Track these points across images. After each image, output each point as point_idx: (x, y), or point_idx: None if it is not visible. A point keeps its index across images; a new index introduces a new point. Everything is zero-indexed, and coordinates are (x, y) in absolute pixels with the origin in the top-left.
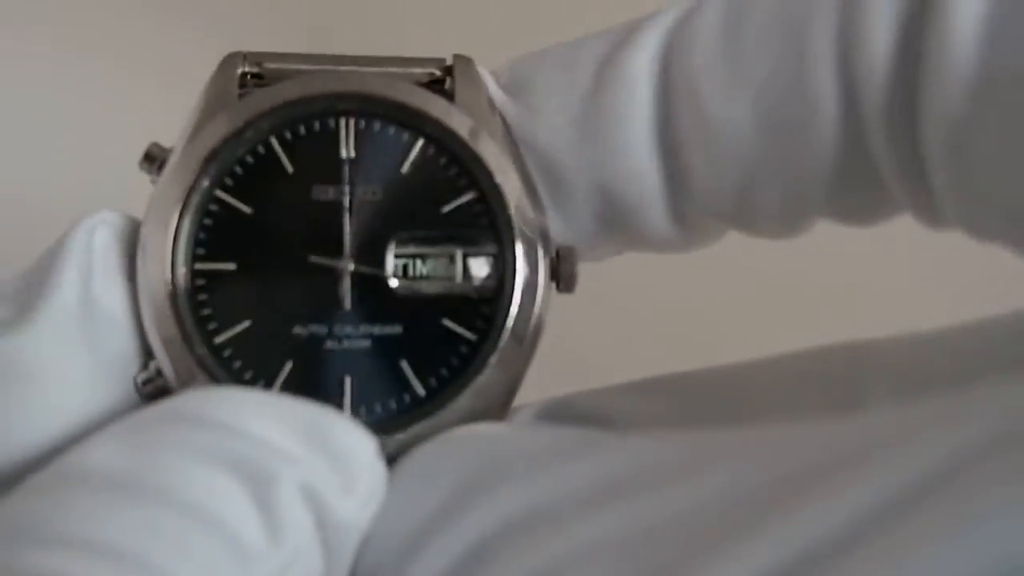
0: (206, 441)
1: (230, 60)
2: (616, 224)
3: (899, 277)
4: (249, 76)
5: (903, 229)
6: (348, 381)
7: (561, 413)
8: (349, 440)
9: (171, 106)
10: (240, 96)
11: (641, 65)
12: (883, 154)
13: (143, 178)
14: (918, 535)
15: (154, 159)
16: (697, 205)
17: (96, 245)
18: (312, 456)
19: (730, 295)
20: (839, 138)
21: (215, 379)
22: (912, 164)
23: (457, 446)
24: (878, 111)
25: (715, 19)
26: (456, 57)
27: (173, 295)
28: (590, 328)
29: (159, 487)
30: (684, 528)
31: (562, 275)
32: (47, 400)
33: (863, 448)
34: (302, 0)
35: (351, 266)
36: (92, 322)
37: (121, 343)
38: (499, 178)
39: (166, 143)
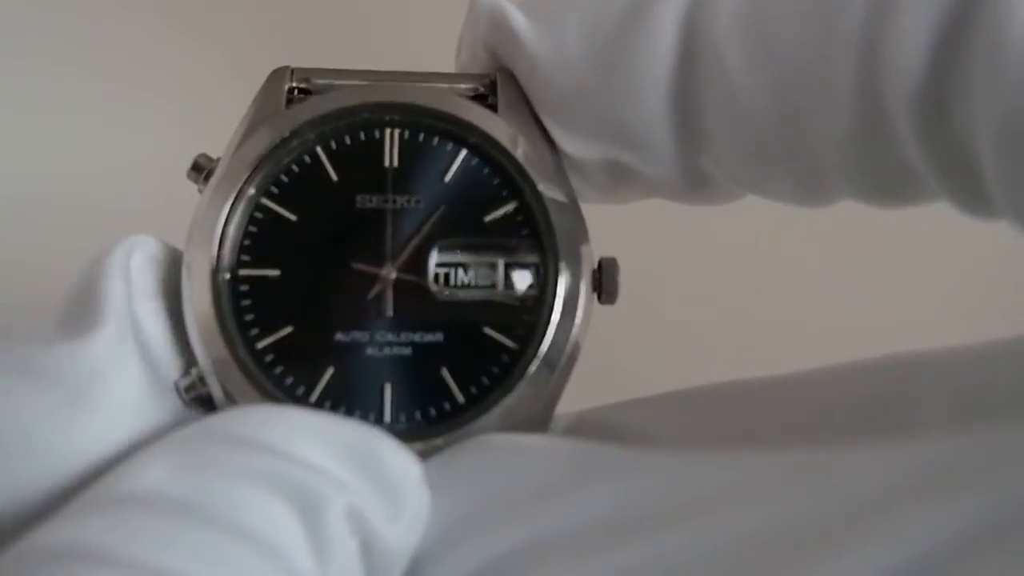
0: (257, 465)
1: (277, 74)
2: (627, 174)
3: (929, 277)
4: (296, 91)
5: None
6: (388, 388)
7: (594, 427)
8: (396, 465)
9: (172, 116)
10: (287, 107)
11: (666, 19)
12: (913, 145)
13: (148, 184)
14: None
15: (201, 169)
16: (709, 165)
17: (133, 267)
18: (360, 481)
19: (762, 301)
20: (856, 125)
21: (256, 384)
22: (950, 156)
23: (482, 458)
24: (907, 102)
25: None
26: (500, 71)
27: (217, 300)
28: (621, 336)
29: (214, 512)
30: (704, 566)
31: (604, 286)
32: (106, 409)
33: (931, 480)
34: (316, 14)
35: (393, 274)
36: (137, 338)
37: (162, 362)
38: (542, 188)
39: (168, 152)
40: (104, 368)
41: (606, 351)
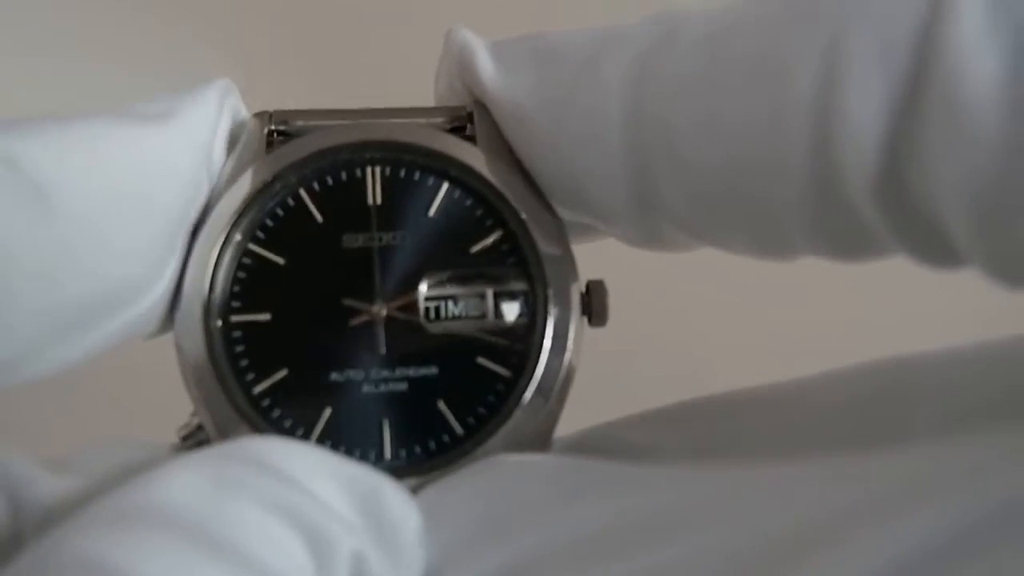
0: (282, 496)
1: (257, 118)
2: (590, 230)
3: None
4: (276, 133)
5: None
6: (387, 424)
7: (593, 445)
8: (400, 514)
9: None
10: (267, 152)
11: (614, 81)
12: (871, 212)
13: None
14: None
15: None
16: (667, 224)
17: (224, 108)
18: (366, 526)
19: (742, 313)
20: (811, 195)
21: (256, 429)
22: (910, 220)
23: (482, 478)
24: (862, 174)
25: (693, 53)
26: (476, 103)
27: (211, 347)
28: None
29: (236, 544)
30: (718, 571)
31: (594, 309)
32: (167, 202)
33: (908, 488)
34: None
35: (384, 310)
36: (208, 165)
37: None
38: (525, 216)
39: None
40: (175, 162)
41: (602, 363)
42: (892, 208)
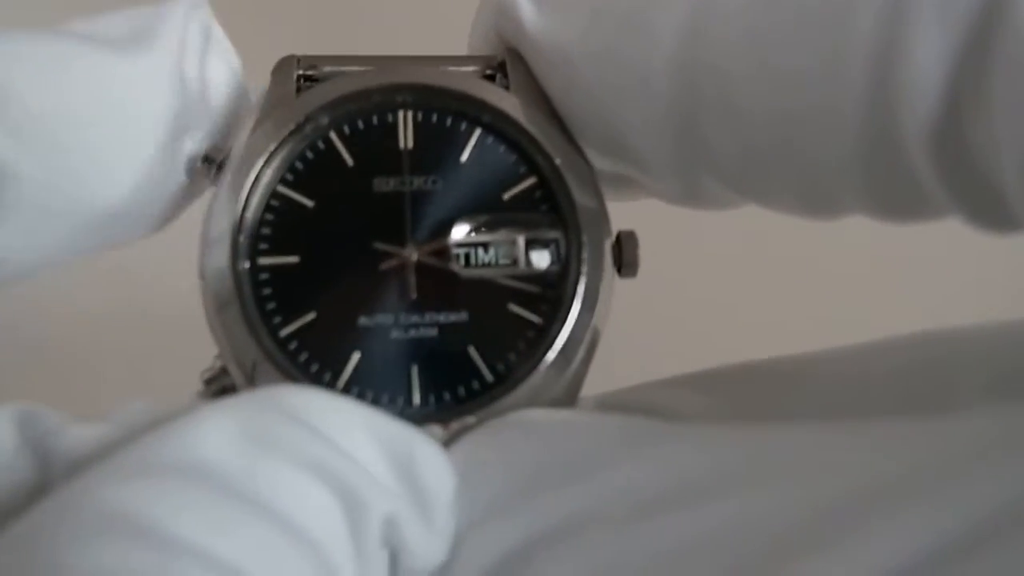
0: (316, 453)
1: (284, 63)
2: (630, 184)
3: (938, 263)
4: (303, 79)
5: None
6: (415, 370)
7: (621, 406)
8: (436, 478)
9: None
10: (297, 94)
11: (666, 29)
12: (926, 167)
13: None
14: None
15: (212, 160)
16: (710, 177)
17: (191, 24)
18: (401, 488)
19: (762, 285)
20: (865, 148)
21: (282, 372)
22: (967, 177)
23: (516, 433)
24: (920, 127)
25: (748, 2)
26: (508, 51)
27: (238, 289)
28: (634, 323)
29: (270, 500)
30: (766, 532)
31: (624, 259)
32: (137, 133)
33: (966, 455)
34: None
35: (415, 255)
36: (180, 84)
37: (194, 117)
38: (559, 162)
39: None
40: (146, 92)
41: (624, 336)
42: (949, 163)
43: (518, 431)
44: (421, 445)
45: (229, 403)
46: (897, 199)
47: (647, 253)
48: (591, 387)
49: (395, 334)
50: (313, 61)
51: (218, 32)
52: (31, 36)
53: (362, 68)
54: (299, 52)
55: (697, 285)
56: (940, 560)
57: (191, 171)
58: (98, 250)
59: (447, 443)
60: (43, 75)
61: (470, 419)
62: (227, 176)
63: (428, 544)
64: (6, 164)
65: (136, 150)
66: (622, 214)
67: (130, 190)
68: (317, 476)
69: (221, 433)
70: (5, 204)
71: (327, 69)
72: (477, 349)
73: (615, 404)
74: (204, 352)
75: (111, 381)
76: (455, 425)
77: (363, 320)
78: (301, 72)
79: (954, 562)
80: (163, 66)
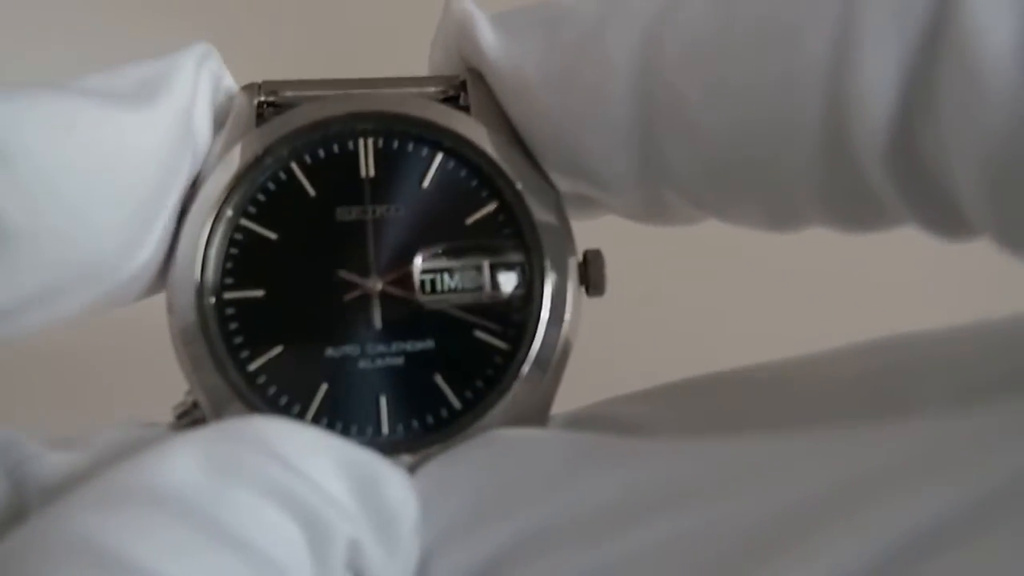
0: (282, 484)
1: (246, 90)
2: (591, 204)
3: (911, 271)
4: (266, 105)
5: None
6: (384, 400)
7: (590, 422)
8: (399, 502)
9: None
10: (258, 124)
11: (620, 48)
12: (881, 178)
13: None
14: (989, 552)
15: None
16: (671, 194)
17: (202, 76)
18: (364, 514)
19: (743, 296)
20: (821, 159)
21: (251, 406)
22: (920, 187)
23: (482, 453)
24: (873, 139)
25: (702, 17)
26: (469, 71)
27: (204, 325)
28: (609, 334)
29: (234, 529)
30: (725, 540)
31: (591, 279)
32: (142, 182)
33: (929, 457)
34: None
35: (379, 284)
36: (189, 139)
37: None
38: (520, 186)
39: None
40: (153, 149)
41: (596, 348)
42: (903, 173)
43: (485, 450)
44: (384, 470)
45: (197, 434)
46: (855, 209)
47: (622, 266)
48: (568, 402)
49: (362, 364)
50: (274, 87)
51: (228, 81)
52: (38, 92)
53: (323, 92)
54: (266, 74)
55: (675, 296)
56: (898, 563)
57: None
58: (102, 313)
59: (414, 467)
60: (50, 132)
61: (437, 448)
62: (191, 210)
63: (392, 568)
64: (15, 224)
65: (160, 207)
66: (595, 227)
67: (154, 251)
68: (280, 502)
69: (187, 461)
70: (14, 263)
71: (289, 94)
72: (444, 377)
73: (584, 420)
74: None
75: (112, 385)
76: (423, 454)
77: (330, 351)
78: (263, 99)
79: (912, 563)
80: (172, 121)
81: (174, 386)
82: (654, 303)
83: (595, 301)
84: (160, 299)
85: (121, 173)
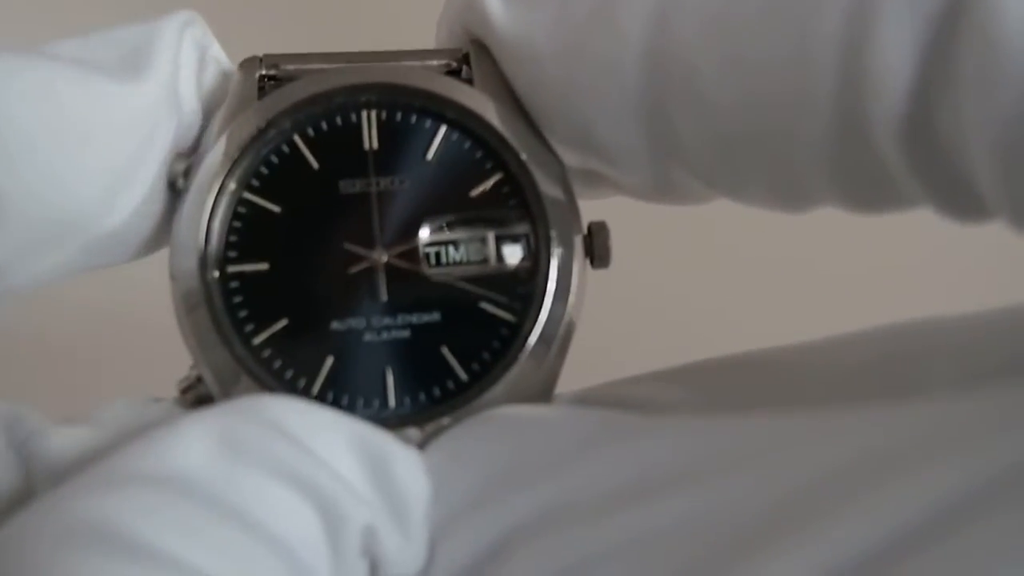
0: (293, 463)
1: (247, 64)
2: (600, 179)
3: (911, 262)
4: (267, 79)
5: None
6: (390, 372)
7: (597, 401)
8: (411, 484)
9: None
10: (260, 97)
11: (634, 19)
12: (895, 154)
13: None
14: (982, 544)
15: (181, 167)
16: (681, 170)
17: (184, 43)
18: (379, 498)
19: (740, 286)
20: (834, 135)
21: (257, 380)
22: (936, 164)
23: (492, 429)
24: (889, 114)
25: None
26: (473, 44)
27: (209, 298)
28: (606, 321)
29: (248, 511)
30: (726, 525)
31: (596, 250)
32: (136, 159)
33: (925, 443)
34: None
35: (384, 257)
36: (173, 110)
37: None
38: (525, 157)
39: None
40: (144, 119)
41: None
42: (919, 152)
43: (492, 427)
44: (397, 453)
45: (208, 413)
46: (867, 189)
47: (624, 247)
48: (567, 383)
49: (368, 337)
50: (275, 60)
51: (214, 48)
52: (21, 57)
53: (325, 66)
54: (270, 51)
55: (675, 280)
56: (883, 559)
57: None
58: (90, 270)
59: (423, 444)
60: (34, 98)
61: (445, 420)
62: (193, 183)
63: (406, 552)
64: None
65: (135, 174)
66: (597, 209)
67: (130, 214)
68: (295, 486)
69: (199, 444)
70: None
71: (290, 68)
72: (451, 349)
73: (591, 400)
74: None
75: (111, 378)
76: (431, 427)
77: (335, 324)
78: (264, 72)
79: (901, 558)
80: (157, 92)
81: (167, 377)
82: (653, 289)
83: (596, 285)
84: (158, 294)
85: (99, 141)
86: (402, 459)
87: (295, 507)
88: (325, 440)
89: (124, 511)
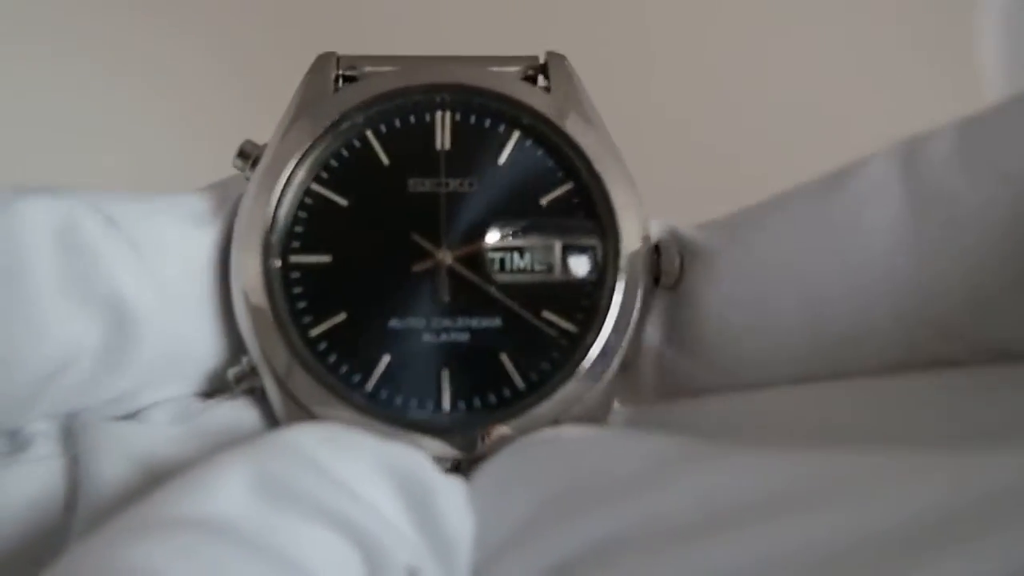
0: (336, 506)
1: (322, 60)
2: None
3: None
4: (342, 78)
5: None
6: (446, 374)
7: (656, 423)
8: (454, 521)
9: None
10: (335, 92)
11: (879, 176)
12: None
13: (147, 181)
14: None
15: (248, 156)
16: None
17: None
18: (421, 537)
19: None
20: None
21: (311, 373)
22: None
23: (545, 453)
24: None
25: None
26: (549, 54)
27: (269, 288)
28: None
29: (286, 552)
30: (807, 566)
31: (663, 269)
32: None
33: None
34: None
35: (448, 258)
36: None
37: None
38: (598, 168)
39: (169, 150)
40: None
41: None
42: None
43: (548, 450)
44: (440, 487)
45: (245, 450)
46: None
47: None
48: None
49: (426, 338)
50: (352, 61)
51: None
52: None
53: (401, 68)
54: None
55: None
56: None
57: None
58: None
59: (486, 453)
60: (176, 239)
61: (504, 429)
62: (259, 173)
63: None
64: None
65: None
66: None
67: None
68: (335, 526)
69: (236, 485)
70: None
71: (366, 69)
72: (510, 356)
73: (648, 421)
74: None
75: None
76: (494, 436)
77: (394, 323)
78: (340, 72)
79: None
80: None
81: None
82: None
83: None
84: None
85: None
86: (445, 493)
87: (335, 547)
88: (365, 475)
89: (162, 555)
